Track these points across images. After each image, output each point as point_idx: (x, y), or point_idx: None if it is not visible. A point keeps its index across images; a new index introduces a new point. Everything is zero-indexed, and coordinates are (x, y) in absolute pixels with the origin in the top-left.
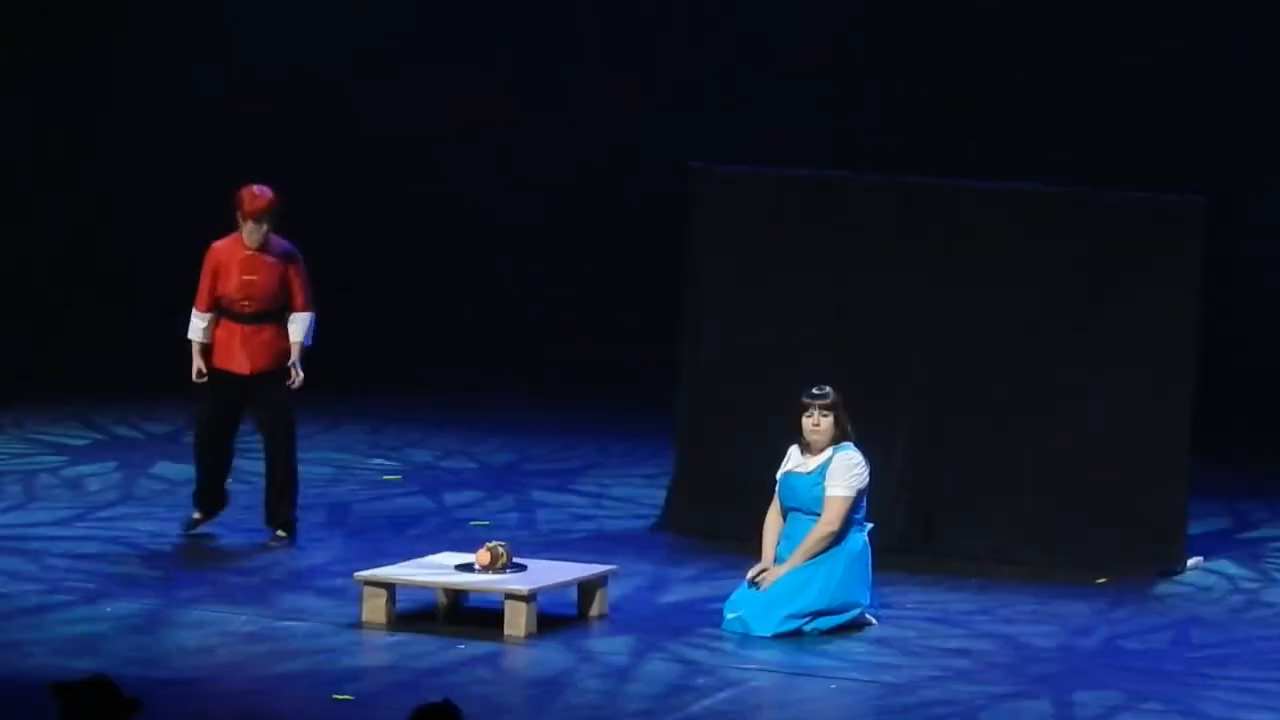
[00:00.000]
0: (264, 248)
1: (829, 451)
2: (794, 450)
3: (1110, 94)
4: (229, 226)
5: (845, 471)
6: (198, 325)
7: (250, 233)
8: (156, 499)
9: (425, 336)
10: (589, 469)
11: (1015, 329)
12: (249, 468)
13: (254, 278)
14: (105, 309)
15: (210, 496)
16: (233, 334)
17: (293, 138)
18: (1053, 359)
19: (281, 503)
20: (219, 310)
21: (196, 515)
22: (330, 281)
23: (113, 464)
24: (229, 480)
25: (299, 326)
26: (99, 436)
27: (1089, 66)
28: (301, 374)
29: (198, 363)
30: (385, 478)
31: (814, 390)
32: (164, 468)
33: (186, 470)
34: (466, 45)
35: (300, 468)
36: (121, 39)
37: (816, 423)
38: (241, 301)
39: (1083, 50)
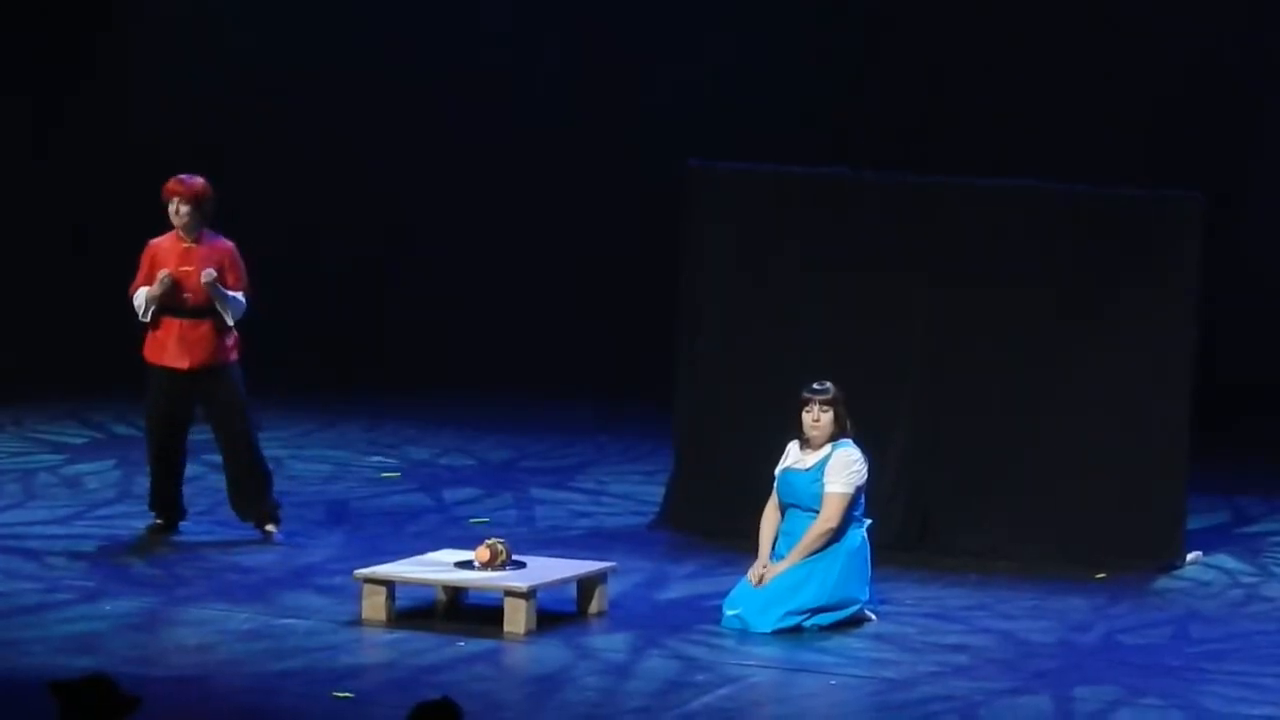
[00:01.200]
0: (199, 240)
1: (828, 448)
2: (793, 446)
3: (1108, 89)
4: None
5: (844, 468)
6: (138, 303)
7: (175, 215)
8: None
9: (423, 333)
10: (587, 466)
11: (1013, 325)
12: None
13: (190, 268)
14: (102, 306)
15: (165, 501)
16: (169, 330)
17: (294, 135)
18: (1051, 355)
19: (257, 496)
20: (156, 306)
21: (159, 521)
22: (328, 278)
23: (111, 462)
24: (182, 484)
25: (233, 305)
26: (97, 435)
27: (1087, 61)
28: (210, 275)
29: (161, 274)
30: (384, 475)
31: (815, 385)
32: None
33: (186, 469)
34: (467, 43)
35: (301, 465)
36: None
37: (816, 418)
38: (183, 295)
39: (1081, 44)
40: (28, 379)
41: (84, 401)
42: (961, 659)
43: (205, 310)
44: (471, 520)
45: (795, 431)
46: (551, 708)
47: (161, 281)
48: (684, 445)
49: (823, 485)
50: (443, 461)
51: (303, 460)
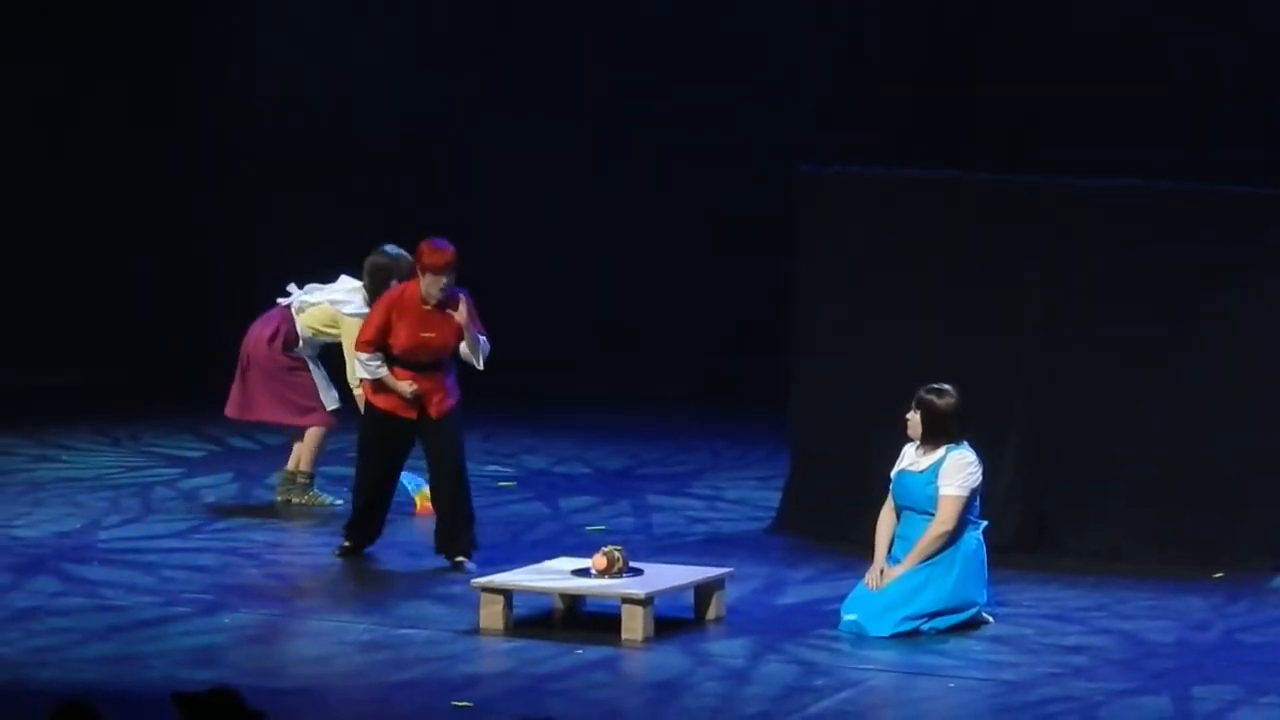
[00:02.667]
0: (442, 303)
1: (942, 451)
2: (909, 449)
3: (1222, 88)
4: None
5: (958, 471)
6: (372, 364)
7: (429, 286)
8: (273, 509)
9: (539, 343)
10: (703, 472)
11: (1127, 327)
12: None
13: (431, 335)
14: (219, 319)
15: (366, 535)
16: (410, 381)
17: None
18: (1165, 354)
19: (458, 533)
20: (386, 357)
21: (346, 544)
22: None
23: (229, 475)
24: (385, 518)
25: (480, 349)
26: (214, 448)
27: (1195, 58)
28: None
29: (404, 387)
30: (501, 484)
31: (924, 387)
32: (279, 478)
33: None
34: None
35: (419, 476)
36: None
37: (909, 417)
38: (416, 353)
39: (1190, 40)
40: (144, 393)
41: (200, 415)
42: (1080, 660)
43: (440, 365)
44: (588, 528)
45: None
46: (671, 714)
47: (404, 392)
48: (799, 450)
49: (937, 488)
50: (559, 470)
51: (420, 471)
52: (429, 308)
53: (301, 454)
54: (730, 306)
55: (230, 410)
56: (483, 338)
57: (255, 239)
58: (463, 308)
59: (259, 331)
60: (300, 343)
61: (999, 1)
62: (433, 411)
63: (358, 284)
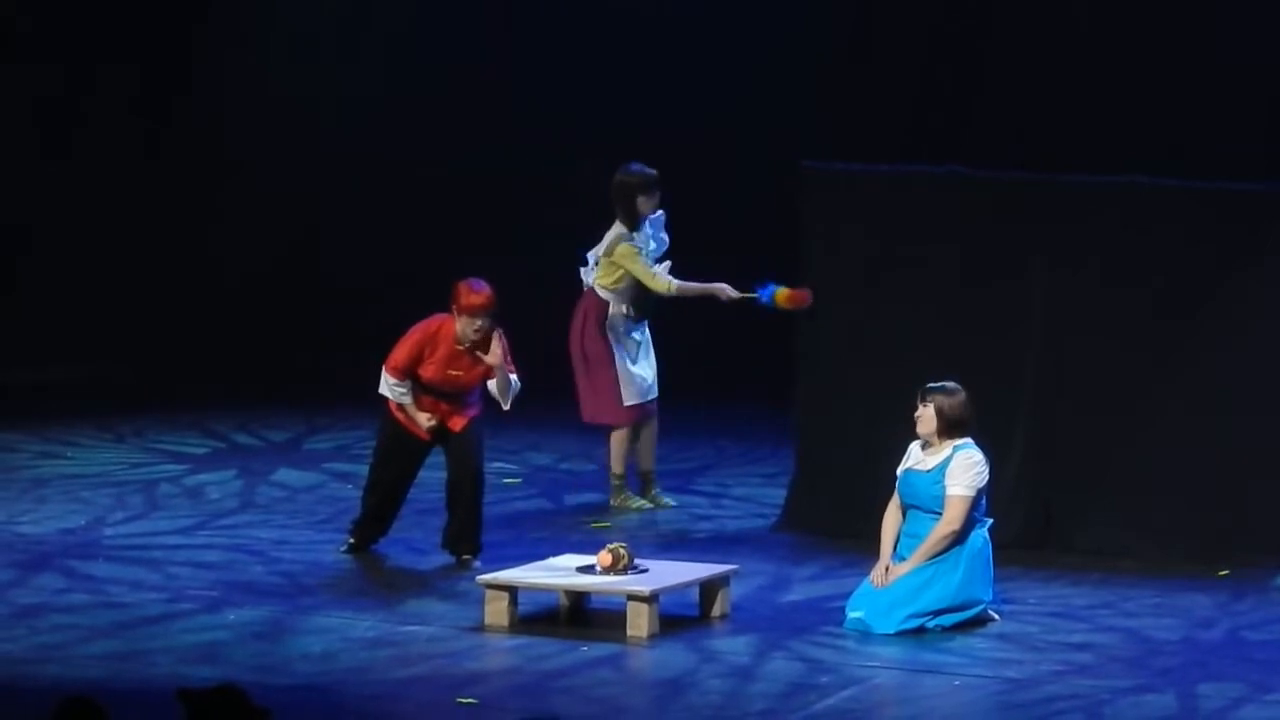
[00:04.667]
0: (475, 344)
1: (949, 449)
2: (915, 447)
3: (1228, 85)
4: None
5: (965, 470)
6: (399, 390)
7: (464, 327)
8: (277, 506)
9: (542, 337)
10: (708, 469)
11: (1133, 323)
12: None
13: (459, 374)
14: (224, 314)
15: (370, 538)
16: (426, 406)
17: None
18: (1171, 350)
19: (468, 534)
20: (413, 381)
21: (351, 541)
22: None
23: (233, 472)
24: (395, 515)
25: (510, 389)
26: (219, 444)
27: (1199, 55)
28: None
29: (423, 419)
30: (506, 481)
31: (930, 383)
32: (285, 475)
33: (307, 477)
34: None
35: (424, 471)
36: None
37: (918, 413)
38: (442, 385)
39: (1194, 38)
40: (149, 389)
41: (205, 411)
42: (1085, 658)
43: (465, 394)
44: (593, 525)
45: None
46: (675, 711)
47: (422, 423)
48: (805, 447)
49: (944, 487)
50: (564, 466)
51: (426, 467)
52: (461, 347)
53: (611, 454)
54: (730, 306)
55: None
56: (514, 377)
57: (262, 234)
58: (496, 348)
59: (571, 325)
60: (610, 315)
61: (1006, 13)
62: (453, 427)
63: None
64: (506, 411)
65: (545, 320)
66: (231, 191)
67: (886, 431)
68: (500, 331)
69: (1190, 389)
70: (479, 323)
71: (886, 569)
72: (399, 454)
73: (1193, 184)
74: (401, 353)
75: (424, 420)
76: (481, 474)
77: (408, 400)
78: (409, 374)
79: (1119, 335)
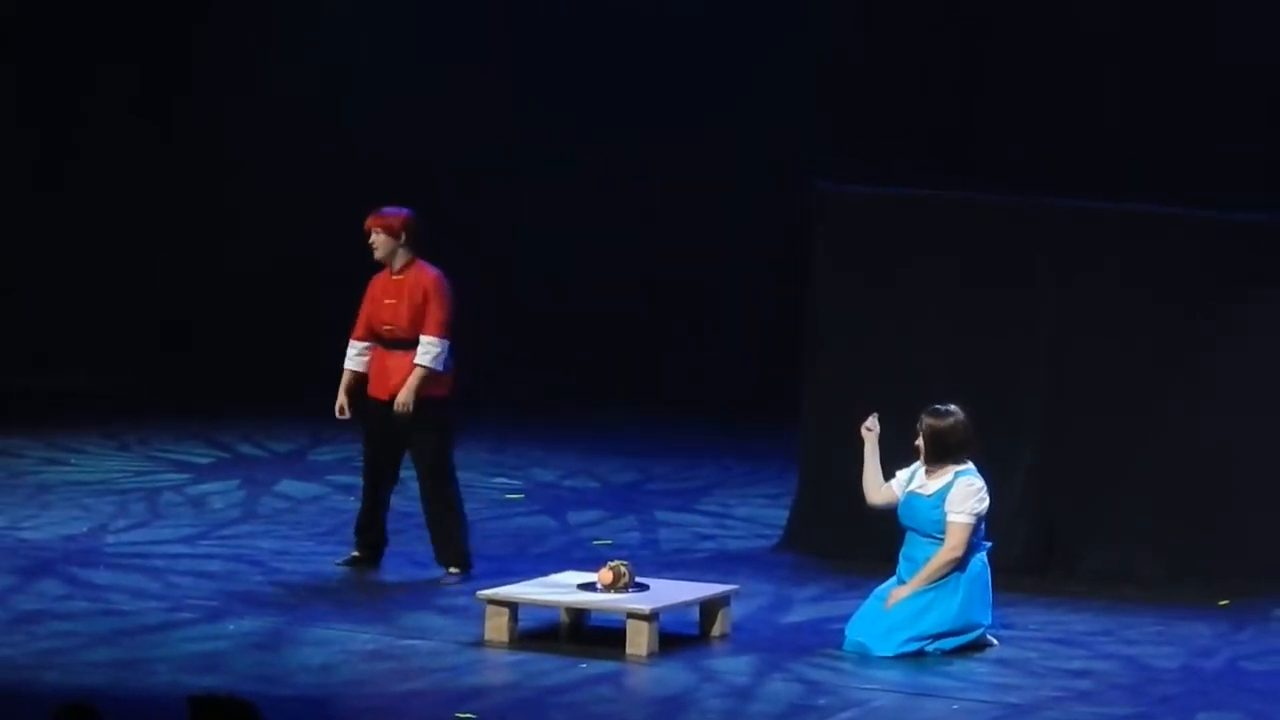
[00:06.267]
0: (405, 270)
1: (950, 474)
2: (919, 468)
3: (1226, 114)
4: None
5: (966, 497)
6: (350, 353)
7: (374, 246)
8: (280, 517)
9: (547, 355)
10: (712, 488)
11: (1138, 349)
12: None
13: (392, 301)
14: (229, 323)
15: (366, 533)
16: (375, 361)
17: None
18: (1176, 379)
19: (447, 540)
20: (374, 339)
21: (355, 553)
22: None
23: (236, 482)
24: (383, 518)
25: (420, 349)
26: (223, 454)
27: (1203, 84)
28: (408, 401)
29: (340, 396)
30: (508, 496)
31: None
32: (288, 485)
33: (310, 488)
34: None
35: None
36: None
37: (916, 436)
38: (384, 327)
39: (1188, 69)
40: (153, 398)
41: (209, 421)
42: (1085, 684)
43: (406, 343)
44: (595, 542)
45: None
46: None
47: (340, 408)
48: (808, 468)
49: (944, 513)
50: (567, 483)
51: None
52: (395, 277)
53: None
54: (744, 322)
55: None
56: (430, 346)
57: (266, 242)
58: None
59: None
60: None
61: (1005, 14)
62: (383, 394)
63: None
64: (509, 424)
65: (544, 320)
66: (231, 191)
67: (891, 455)
68: (438, 279)
69: (1193, 419)
70: (382, 239)
71: (892, 592)
72: (368, 430)
73: (1197, 212)
74: (359, 315)
75: (340, 398)
76: (442, 477)
77: (352, 365)
78: (366, 330)
79: (1124, 362)
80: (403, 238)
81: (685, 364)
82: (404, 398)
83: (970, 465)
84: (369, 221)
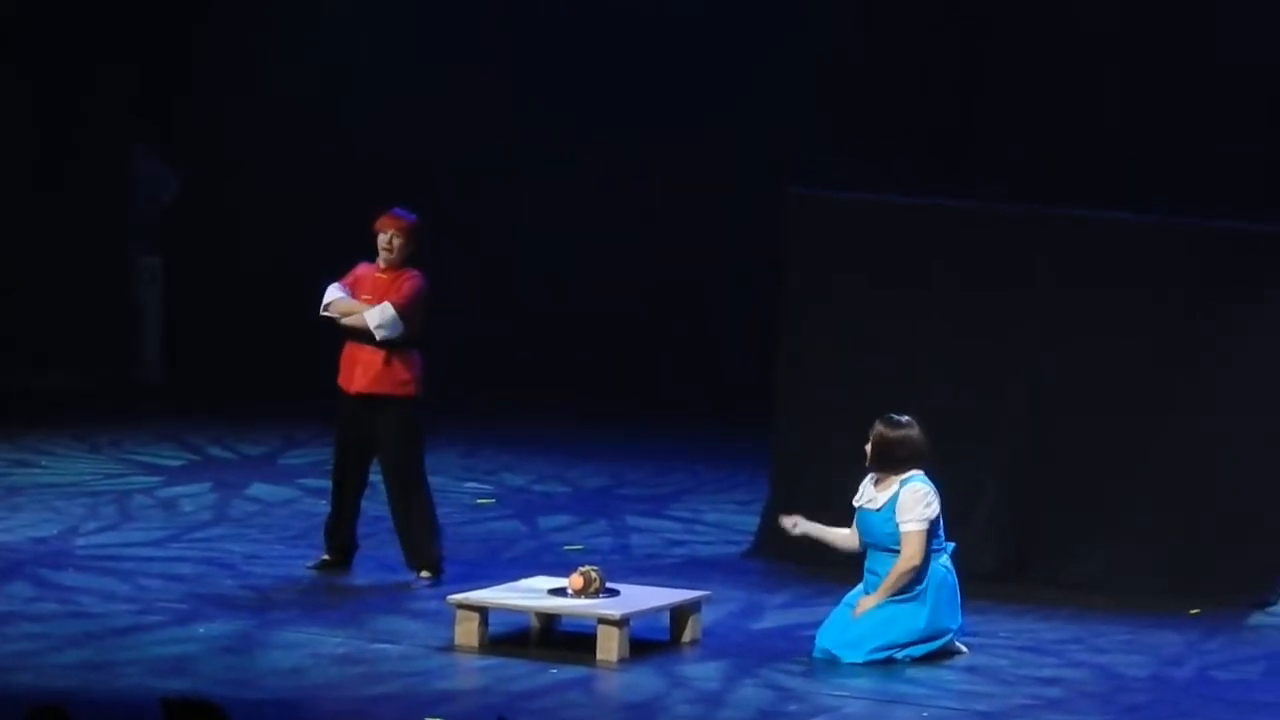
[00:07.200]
0: (393, 271)
1: (895, 485)
2: (867, 482)
3: (1214, 124)
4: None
5: (915, 504)
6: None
7: (384, 247)
8: (251, 520)
9: (520, 360)
10: (683, 494)
11: (1113, 359)
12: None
13: (369, 297)
14: (198, 327)
15: (335, 536)
16: (348, 353)
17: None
18: (1150, 390)
19: (416, 543)
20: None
21: (324, 557)
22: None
23: (207, 485)
24: (353, 519)
25: (378, 307)
26: (194, 457)
27: (1196, 93)
28: (338, 309)
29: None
30: (479, 501)
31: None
32: (259, 489)
33: (281, 492)
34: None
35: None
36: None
37: (867, 441)
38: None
39: (1176, 78)
40: (126, 400)
41: (181, 424)
42: (1054, 692)
43: (365, 336)
44: (566, 547)
45: None
46: None
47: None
48: (779, 474)
49: (896, 524)
50: (538, 488)
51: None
52: (379, 274)
53: None
54: (716, 329)
55: None
56: (380, 310)
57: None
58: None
59: None
60: None
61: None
62: (350, 387)
63: None
64: (480, 429)
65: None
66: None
67: (860, 461)
68: (417, 276)
69: (1169, 429)
70: (388, 240)
71: (859, 601)
72: (338, 424)
73: (1182, 221)
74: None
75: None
76: (409, 478)
77: (332, 299)
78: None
79: (1100, 371)
80: (413, 243)
81: (656, 369)
82: (342, 306)
83: (917, 473)
84: (386, 222)
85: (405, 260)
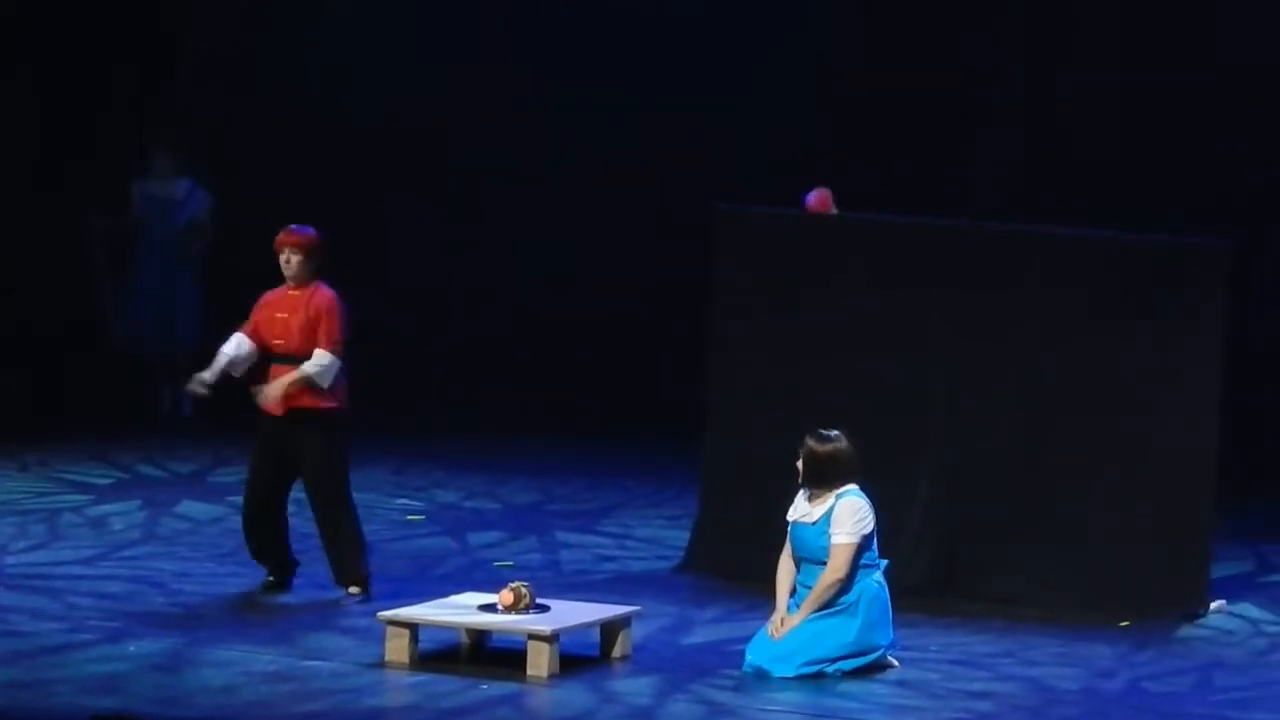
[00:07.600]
0: (303, 288)
1: (831, 499)
2: (800, 496)
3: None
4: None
5: (849, 518)
6: (230, 340)
7: (285, 265)
8: (180, 538)
9: (448, 377)
10: (613, 510)
11: (1037, 372)
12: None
13: (285, 315)
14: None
15: (260, 552)
16: (272, 370)
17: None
18: (1075, 403)
19: (343, 559)
20: (265, 350)
21: (270, 578)
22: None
23: (137, 503)
24: (281, 538)
25: (313, 359)
26: (123, 475)
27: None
28: (278, 396)
29: (207, 373)
30: (409, 518)
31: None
32: (188, 507)
33: (211, 510)
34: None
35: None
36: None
37: (797, 457)
38: (275, 341)
39: (1112, 90)
40: (53, 418)
41: (109, 442)
42: (986, 706)
43: (296, 358)
44: (496, 564)
45: None
46: None
47: (200, 381)
48: (709, 489)
49: (830, 537)
50: (468, 504)
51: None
52: (291, 292)
53: None
54: (645, 343)
55: None
56: (321, 360)
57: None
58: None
59: None
60: None
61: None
62: (278, 409)
63: None
64: (414, 443)
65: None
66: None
67: (790, 476)
68: (333, 299)
69: (1096, 443)
70: (293, 258)
71: (781, 620)
72: (258, 445)
73: (1098, 234)
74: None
75: (256, 391)
76: (336, 493)
77: (230, 350)
78: (254, 332)
79: (1024, 385)
80: (315, 257)
81: (585, 385)
82: (274, 392)
83: (853, 487)
84: (283, 240)
85: (311, 275)
